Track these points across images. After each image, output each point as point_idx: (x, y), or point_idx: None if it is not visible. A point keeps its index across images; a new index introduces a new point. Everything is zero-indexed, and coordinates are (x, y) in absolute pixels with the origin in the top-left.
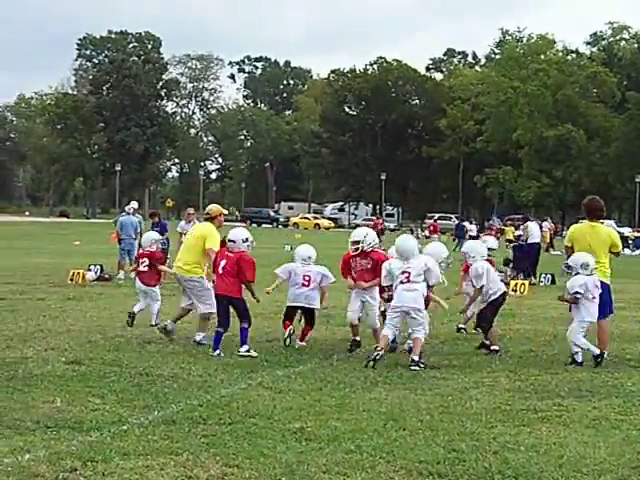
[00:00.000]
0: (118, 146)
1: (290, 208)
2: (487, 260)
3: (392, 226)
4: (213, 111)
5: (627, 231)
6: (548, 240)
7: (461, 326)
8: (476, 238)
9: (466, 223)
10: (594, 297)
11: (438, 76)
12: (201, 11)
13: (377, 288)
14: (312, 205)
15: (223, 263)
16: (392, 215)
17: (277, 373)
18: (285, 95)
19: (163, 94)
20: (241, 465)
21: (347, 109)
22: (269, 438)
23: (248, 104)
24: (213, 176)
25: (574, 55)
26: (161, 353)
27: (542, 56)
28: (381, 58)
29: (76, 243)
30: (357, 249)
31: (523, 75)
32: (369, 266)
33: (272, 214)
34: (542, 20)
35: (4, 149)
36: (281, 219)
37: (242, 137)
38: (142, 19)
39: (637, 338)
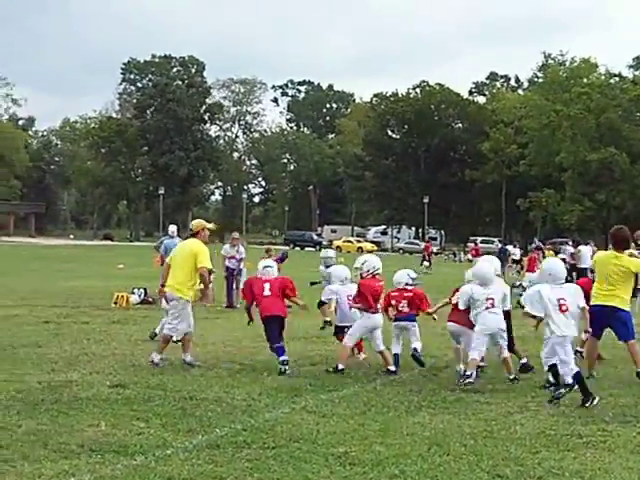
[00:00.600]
0: (162, 169)
1: (333, 231)
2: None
3: (435, 250)
4: (256, 134)
5: None
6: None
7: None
8: (519, 262)
9: (509, 247)
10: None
11: (481, 100)
12: (244, 35)
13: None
14: (355, 228)
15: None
16: (435, 238)
17: (321, 397)
18: (328, 119)
19: (206, 118)
20: None
21: (390, 133)
22: (313, 462)
23: (291, 127)
24: (256, 199)
25: (617, 78)
26: (205, 377)
27: (585, 79)
28: (424, 82)
29: (120, 266)
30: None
31: (566, 98)
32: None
33: (315, 237)
34: (585, 44)
35: (49, 173)
36: (324, 242)
37: (285, 160)
38: (186, 43)
39: None
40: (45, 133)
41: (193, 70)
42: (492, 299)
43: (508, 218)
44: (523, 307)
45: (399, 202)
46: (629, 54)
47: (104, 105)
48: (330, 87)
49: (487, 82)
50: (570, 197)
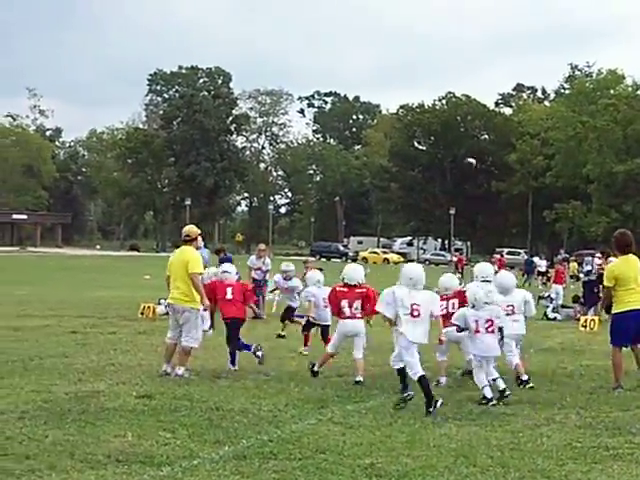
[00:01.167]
0: (188, 180)
1: (359, 242)
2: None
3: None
4: (282, 146)
5: None
6: None
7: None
8: (545, 274)
9: (535, 258)
10: (478, 331)
11: (507, 111)
12: (271, 46)
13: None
14: (381, 239)
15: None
16: (461, 250)
17: (347, 408)
18: (354, 130)
19: (233, 129)
20: None
21: (416, 144)
22: (340, 474)
23: (317, 139)
24: (282, 210)
25: None
26: (231, 388)
27: (612, 91)
28: (450, 93)
29: (146, 277)
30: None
31: (592, 110)
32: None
33: (341, 248)
34: (611, 55)
35: (76, 183)
36: (350, 253)
37: (311, 172)
38: (212, 55)
39: None
40: (72, 144)
41: (220, 81)
42: (512, 305)
43: (534, 229)
44: (549, 318)
45: (425, 213)
46: None
47: (130, 116)
48: (356, 98)
49: (513, 93)
50: (597, 209)
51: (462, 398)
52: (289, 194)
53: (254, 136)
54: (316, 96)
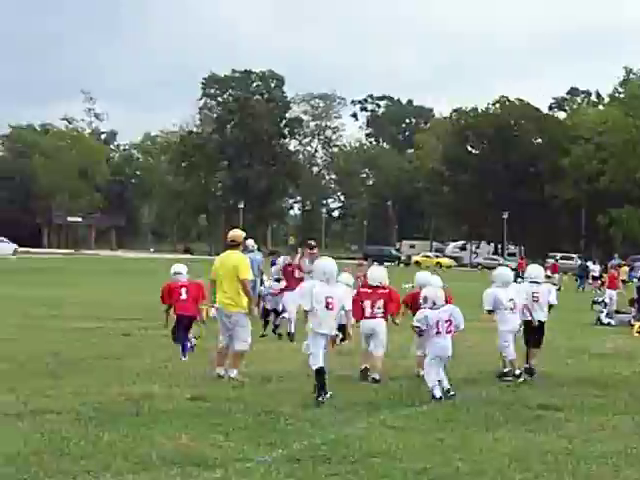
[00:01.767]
0: (241, 184)
1: (412, 246)
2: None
3: (514, 265)
4: (335, 149)
5: None
6: None
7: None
8: (599, 278)
9: (589, 263)
10: (438, 332)
11: (561, 115)
12: (324, 50)
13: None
14: (433, 243)
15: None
16: (514, 254)
17: (399, 412)
18: (407, 133)
19: (286, 132)
20: None
21: (469, 148)
22: (392, 477)
23: (370, 142)
24: (335, 214)
25: None
26: (283, 390)
27: None
28: (503, 97)
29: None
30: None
31: None
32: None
33: (394, 252)
34: None
35: (130, 186)
36: (402, 257)
37: (364, 175)
38: (265, 58)
39: None
40: (127, 147)
41: (273, 85)
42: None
43: (588, 234)
44: (603, 323)
45: (478, 217)
46: None
47: (184, 119)
48: (409, 102)
49: (567, 97)
50: None
51: (514, 403)
52: (341, 197)
53: (307, 140)
54: (369, 100)
